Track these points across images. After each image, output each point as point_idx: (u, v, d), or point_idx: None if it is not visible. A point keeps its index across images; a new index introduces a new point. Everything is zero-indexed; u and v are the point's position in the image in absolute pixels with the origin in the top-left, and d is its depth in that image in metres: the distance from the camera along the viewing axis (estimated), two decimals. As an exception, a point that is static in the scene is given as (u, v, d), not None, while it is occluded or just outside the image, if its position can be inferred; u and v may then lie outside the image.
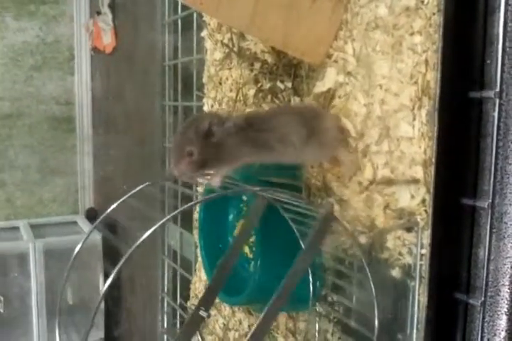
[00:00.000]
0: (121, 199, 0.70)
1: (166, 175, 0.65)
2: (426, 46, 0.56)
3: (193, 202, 0.55)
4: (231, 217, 0.87)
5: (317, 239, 0.59)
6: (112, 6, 1.72)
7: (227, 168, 0.65)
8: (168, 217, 0.51)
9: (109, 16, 1.71)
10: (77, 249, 0.62)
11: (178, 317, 1.33)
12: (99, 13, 1.76)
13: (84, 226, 2.21)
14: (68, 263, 0.64)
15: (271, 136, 0.63)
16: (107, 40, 1.75)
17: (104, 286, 0.45)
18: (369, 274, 0.63)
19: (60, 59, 2.05)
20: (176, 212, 0.51)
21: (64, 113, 2.11)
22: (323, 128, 0.66)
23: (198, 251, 0.93)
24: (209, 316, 0.65)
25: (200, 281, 1.11)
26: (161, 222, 0.48)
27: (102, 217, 0.67)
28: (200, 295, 0.78)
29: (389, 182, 0.61)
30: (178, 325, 1.34)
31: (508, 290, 0.50)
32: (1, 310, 2.02)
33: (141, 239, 0.46)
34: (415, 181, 0.58)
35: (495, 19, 0.51)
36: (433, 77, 0.55)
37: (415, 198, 0.58)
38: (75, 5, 2.00)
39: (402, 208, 0.60)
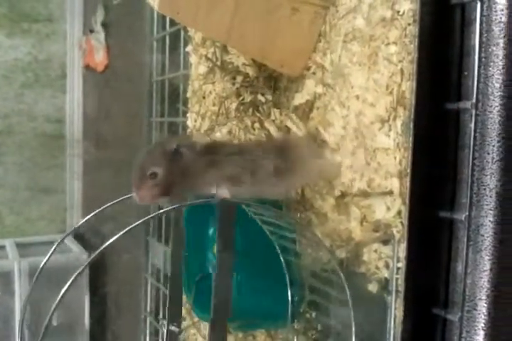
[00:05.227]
0: (91, 214, 0.69)
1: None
2: (401, 56, 0.56)
3: (155, 213, 0.53)
4: (211, 231, 0.86)
5: (226, 226, 0.55)
6: (105, 24, 1.72)
7: (191, 194, 0.57)
8: (134, 225, 0.49)
9: (102, 34, 1.71)
10: (43, 262, 0.60)
11: (160, 336, 1.30)
12: (92, 31, 1.77)
13: (72, 245, 2.17)
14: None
15: (241, 161, 0.58)
16: (99, 58, 1.75)
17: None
18: (347, 288, 0.61)
19: (51, 76, 2.05)
20: (139, 221, 0.50)
21: (54, 131, 2.10)
22: (298, 158, 0.62)
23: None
24: (180, 332, 0.63)
25: (181, 299, 1.09)
26: (124, 230, 0.47)
27: (72, 230, 0.66)
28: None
29: (365, 194, 0.60)
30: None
31: (485, 305, 0.49)
32: (-16, 330, 1.97)
33: (104, 246, 0.45)
34: (390, 192, 0.57)
35: (472, 30, 0.51)
36: (408, 87, 0.55)
37: (391, 210, 0.57)
38: (68, 23, 2.01)
39: (378, 220, 0.59)
